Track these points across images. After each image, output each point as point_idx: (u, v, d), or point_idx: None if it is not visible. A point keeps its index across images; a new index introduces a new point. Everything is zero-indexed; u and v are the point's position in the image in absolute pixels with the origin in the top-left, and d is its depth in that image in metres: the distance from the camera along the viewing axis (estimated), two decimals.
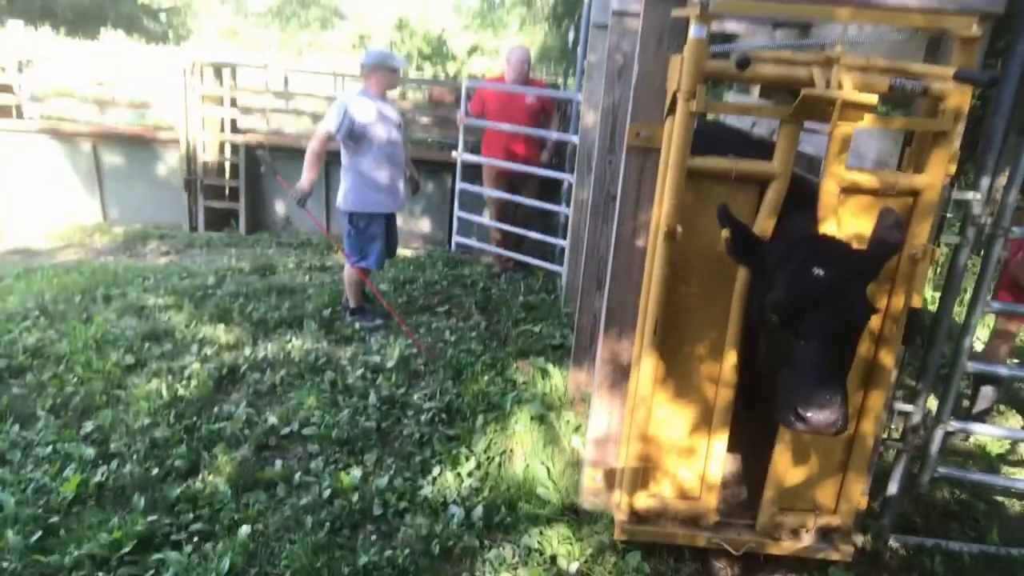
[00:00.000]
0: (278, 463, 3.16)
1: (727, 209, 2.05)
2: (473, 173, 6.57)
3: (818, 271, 1.92)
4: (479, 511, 2.83)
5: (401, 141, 4.69)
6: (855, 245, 2.20)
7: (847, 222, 2.29)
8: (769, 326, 2.03)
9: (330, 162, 7.23)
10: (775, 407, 1.97)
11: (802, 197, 2.31)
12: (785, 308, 1.94)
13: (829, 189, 2.20)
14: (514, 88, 5.59)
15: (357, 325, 4.67)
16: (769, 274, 2.05)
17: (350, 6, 37.50)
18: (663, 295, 2.33)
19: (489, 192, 5.99)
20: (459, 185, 6.14)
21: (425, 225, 7.42)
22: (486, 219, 6.34)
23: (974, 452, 3.67)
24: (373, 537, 2.74)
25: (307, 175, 4.39)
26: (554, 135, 5.76)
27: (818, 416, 1.84)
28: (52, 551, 2.55)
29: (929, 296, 5.19)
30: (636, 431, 2.50)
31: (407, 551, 2.62)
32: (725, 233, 2.05)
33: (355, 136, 4.40)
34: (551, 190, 6.68)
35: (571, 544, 2.68)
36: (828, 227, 2.20)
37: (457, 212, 6.31)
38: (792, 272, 1.96)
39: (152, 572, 2.50)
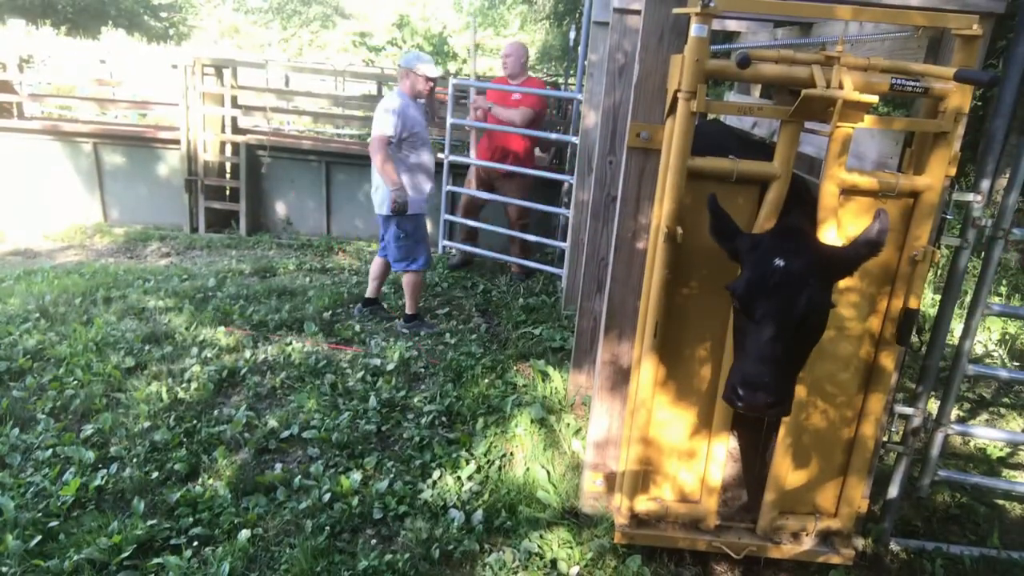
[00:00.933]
0: (278, 467, 3.15)
1: (715, 197, 2.14)
2: (460, 174, 6.56)
3: (778, 261, 2.00)
4: (479, 515, 2.83)
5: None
6: None
7: (847, 223, 2.28)
8: (734, 310, 2.14)
9: (332, 162, 7.27)
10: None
11: (799, 198, 2.31)
12: (742, 292, 2.03)
13: (829, 190, 2.19)
14: (506, 88, 5.71)
15: (422, 332, 4.67)
16: (742, 262, 2.12)
17: (351, 4, 37.50)
18: (663, 297, 2.32)
19: (465, 191, 6.08)
20: (445, 188, 6.14)
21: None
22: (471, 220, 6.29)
23: (975, 455, 3.65)
24: (373, 541, 2.74)
25: (389, 179, 4.34)
26: (551, 136, 5.85)
27: (751, 396, 1.93)
28: (51, 556, 2.55)
29: (929, 299, 5.17)
30: (636, 434, 2.50)
31: (407, 555, 2.62)
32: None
33: (401, 140, 4.41)
34: (551, 192, 6.64)
35: (571, 548, 2.67)
36: (828, 228, 2.19)
37: (443, 215, 6.29)
38: (755, 260, 2.05)
39: None
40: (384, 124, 4.35)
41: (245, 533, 2.69)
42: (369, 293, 4.97)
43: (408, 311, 4.78)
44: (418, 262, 4.64)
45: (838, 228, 2.22)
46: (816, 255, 2.05)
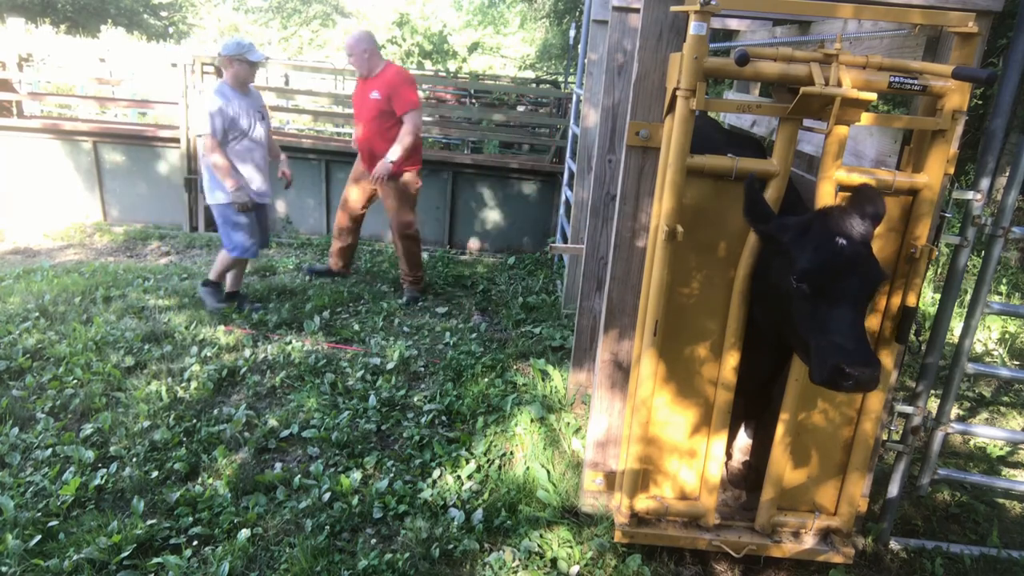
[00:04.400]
0: (278, 466, 3.15)
1: (753, 178, 2.14)
2: None
3: (841, 240, 1.99)
4: (479, 514, 2.82)
5: (264, 133, 4.80)
6: None
7: None
8: (797, 296, 2.06)
9: (331, 161, 7.26)
10: (812, 372, 2.03)
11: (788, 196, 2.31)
12: (816, 276, 2.00)
13: (826, 189, 2.19)
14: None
15: (211, 302, 4.83)
16: (785, 248, 2.08)
17: (351, 3, 37.47)
18: (663, 296, 2.32)
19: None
20: None
21: (425, 225, 7.39)
22: None
23: (974, 454, 3.65)
24: (373, 540, 2.74)
25: (230, 181, 4.50)
26: (405, 140, 4.91)
27: (864, 372, 1.91)
28: (51, 555, 2.55)
29: (929, 297, 5.17)
30: (636, 433, 2.49)
31: (407, 554, 2.62)
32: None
33: (226, 134, 4.52)
34: (547, 190, 6.65)
35: (571, 547, 2.67)
36: None
37: None
38: (817, 243, 2.02)
39: None
40: (203, 125, 4.43)
41: (245, 532, 2.69)
42: (228, 287, 5.03)
43: (211, 277, 4.91)
44: (238, 250, 4.73)
45: None
46: (867, 228, 2.05)
